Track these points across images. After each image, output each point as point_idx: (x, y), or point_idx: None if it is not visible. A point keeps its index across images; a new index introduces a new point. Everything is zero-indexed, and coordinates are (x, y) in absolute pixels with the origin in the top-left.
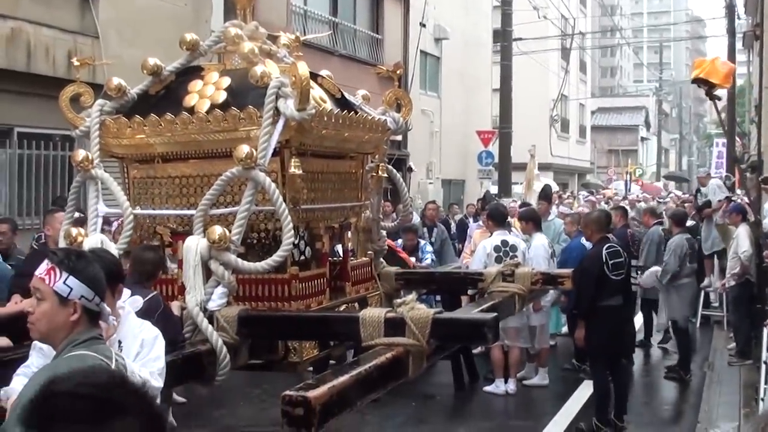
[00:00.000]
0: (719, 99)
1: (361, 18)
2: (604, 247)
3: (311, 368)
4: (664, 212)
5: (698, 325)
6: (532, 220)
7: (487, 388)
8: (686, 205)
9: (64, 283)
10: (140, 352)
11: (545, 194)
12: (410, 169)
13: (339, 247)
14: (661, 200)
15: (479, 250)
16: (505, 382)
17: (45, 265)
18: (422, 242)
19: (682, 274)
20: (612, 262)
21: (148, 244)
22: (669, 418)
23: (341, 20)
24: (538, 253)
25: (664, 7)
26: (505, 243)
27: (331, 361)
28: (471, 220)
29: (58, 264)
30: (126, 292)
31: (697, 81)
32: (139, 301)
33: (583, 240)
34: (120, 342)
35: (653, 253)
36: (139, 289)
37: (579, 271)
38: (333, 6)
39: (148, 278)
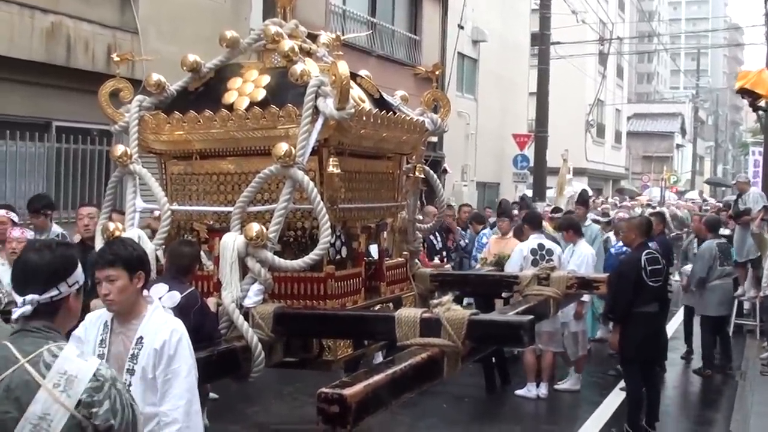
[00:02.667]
0: (764, 110)
1: (399, 19)
2: (643, 253)
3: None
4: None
5: (731, 333)
6: (572, 228)
7: (519, 392)
8: (722, 213)
9: None
10: (159, 362)
11: (582, 199)
12: (445, 171)
13: (373, 248)
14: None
15: (516, 253)
16: (537, 386)
17: None
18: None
19: (712, 278)
20: (650, 268)
21: (184, 239)
22: (700, 427)
23: (379, 21)
24: (586, 261)
25: (702, 14)
26: (541, 246)
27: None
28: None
29: None
30: (164, 287)
31: (742, 92)
32: (176, 296)
33: None
34: (141, 338)
35: None
36: (176, 285)
37: (616, 275)
38: (372, 6)
39: (185, 273)
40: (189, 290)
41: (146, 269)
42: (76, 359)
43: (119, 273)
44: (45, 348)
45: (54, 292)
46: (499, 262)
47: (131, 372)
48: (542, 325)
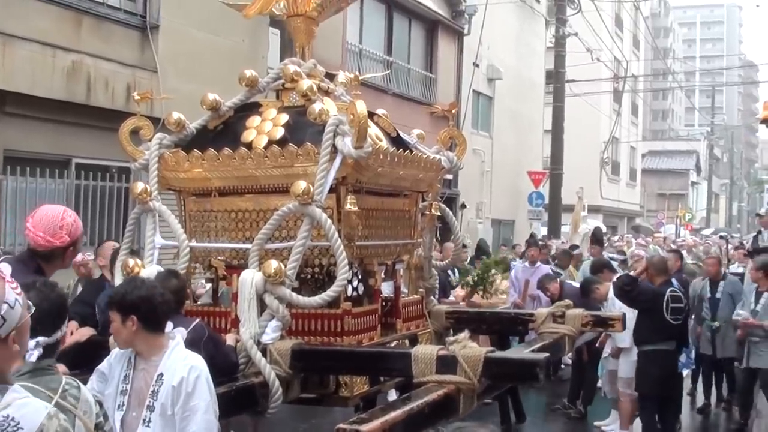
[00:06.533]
0: None
1: (415, 57)
2: (668, 290)
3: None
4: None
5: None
6: (605, 267)
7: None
8: (738, 251)
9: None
10: (177, 399)
11: (596, 238)
12: (463, 206)
13: (384, 285)
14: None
15: None
16: None
17: None
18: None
19: None
20: (672, 306)
21: (168, 270)
22: None
23: (395, 59)
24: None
25: (717, 51)
26: None
27: None
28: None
29: None
30: (167, 325)
31: (766, 122)
32: (182, 333)
33: None
34: (161, 375)
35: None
36: (179, 320)
37: (639, 309)
38: (388, 45)
39: (180, 305)
40: (194, 323)
41: (140, 313)
42: (87, 389)
43: (114, 315)
44: (63, 383)
45: (59, 334)
46: None
47: (151, 408)
48: (621, 371)
